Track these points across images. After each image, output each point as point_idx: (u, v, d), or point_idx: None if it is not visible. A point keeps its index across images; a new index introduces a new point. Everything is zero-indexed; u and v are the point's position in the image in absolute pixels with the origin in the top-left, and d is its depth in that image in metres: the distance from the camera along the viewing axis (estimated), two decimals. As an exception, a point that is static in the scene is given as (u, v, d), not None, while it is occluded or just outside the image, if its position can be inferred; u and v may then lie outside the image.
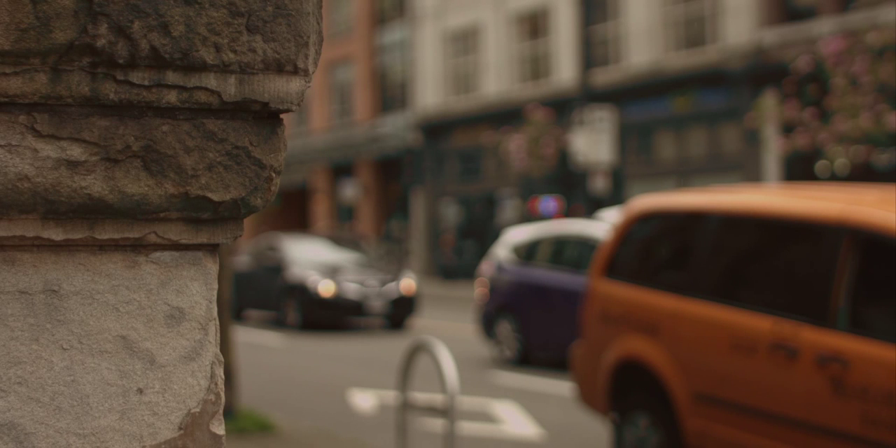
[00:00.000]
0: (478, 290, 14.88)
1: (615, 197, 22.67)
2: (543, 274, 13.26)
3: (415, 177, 32.52)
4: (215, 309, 1.56)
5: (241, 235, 1.58)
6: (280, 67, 1.50)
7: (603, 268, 7.42)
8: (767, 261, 6.48)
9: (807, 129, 18.18)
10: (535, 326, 13.02)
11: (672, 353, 6.52)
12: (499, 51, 29.17)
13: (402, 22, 33.93)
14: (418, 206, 32.90)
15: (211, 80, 1.46)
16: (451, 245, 31.50)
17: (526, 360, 13.26)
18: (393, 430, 8.54)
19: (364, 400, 10.96)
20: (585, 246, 12.72)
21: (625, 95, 24.24)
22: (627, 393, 7.02)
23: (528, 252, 13.85)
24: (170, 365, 1.51)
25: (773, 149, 20.46)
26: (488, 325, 13.90)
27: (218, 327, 1.58)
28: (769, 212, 6.30)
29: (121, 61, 1.40)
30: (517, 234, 14.52)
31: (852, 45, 17.49)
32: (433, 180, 31.93)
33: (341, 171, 37.45)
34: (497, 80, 29.24)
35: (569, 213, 23.11)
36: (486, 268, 14.48)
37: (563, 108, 24.89)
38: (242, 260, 19.54)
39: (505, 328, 13.56)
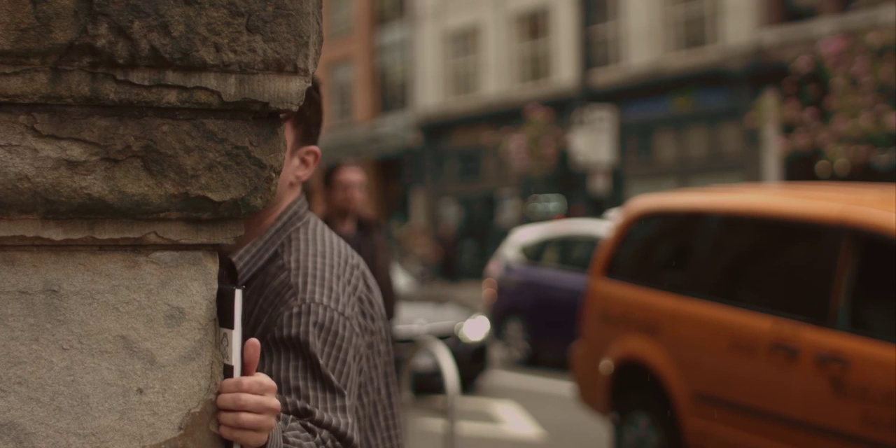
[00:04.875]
0: (486, 290, 14.83)
1: (615, 197, 22.66)
2: (552, 274, 13.22)
3: (415, 177, 32.51)
4: (215, 309, 1.56)
5: (241, 235, 1.58)
6: (280, 67, 1.50)
7: (603, 268, 7.42)
8: (767, 261, 6.48)
9: (807, 129, 18.17)
10: (543, 327, 12.95)
11: (672, 353, 6.52)
12: (499, 51, 29.17)
13: (402, 22, 33.93)
14: (418, 206, 32.90)
15: (211, 80, 1.46)
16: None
17: (535, 360, 13.18)
18: (393, 430, 8.52)
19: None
20: (594, 246, 12.68)
21: (625, 95, 24.24)
22: (627, 393, 7.02)
23: (536, 252, 13.81)
24: (170, 365, 1.51)
25: (773, 149, 20.46)
26: (497, 325, 13.83)
27: (218, 327, 1.58)
28: (769, 212, 6.30)
29: (121, 61, 1.40)
30: (525, 234, 14.48)
31: (852, 45, 17.48)
32: (433, 180, 31.92)
33: (341, 171, 37.40)
34: (497, 80, 29.24)
35: (569, 213, 23.09)
36: (494, 268, 14.41)
37: (563, 108, 24.88)
38: None
39: (513, 329, 13.47)
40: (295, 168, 2.10)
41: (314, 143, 2.14)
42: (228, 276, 2.03)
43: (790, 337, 5.65)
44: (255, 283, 2.01)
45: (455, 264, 28.13)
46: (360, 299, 2.02)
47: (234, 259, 2.03)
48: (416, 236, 29.66)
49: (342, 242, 2.12)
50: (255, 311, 1.98)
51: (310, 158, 2.12)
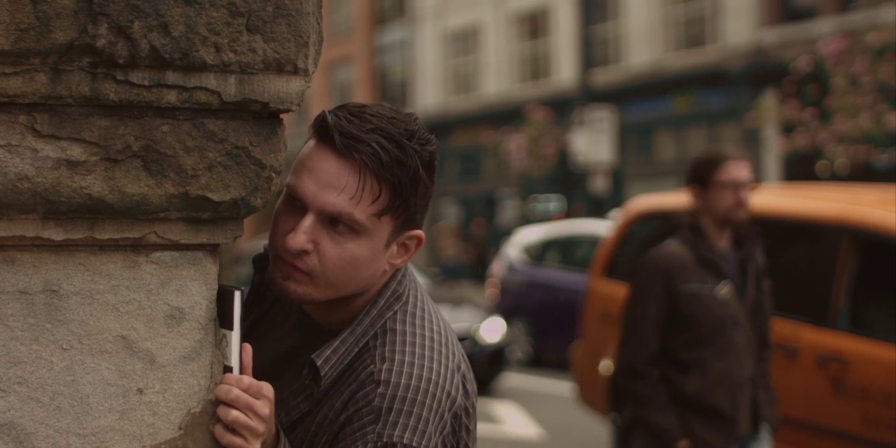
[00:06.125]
0: (489, 291, 14.80)
1: (615, 197, 22.67)
2: (555, 274, 13.18)
3: (415, 177, 32.36)
4: (215, 309, 1.56)
5: (241, 235, 1.58)
6: (280, 67, 1.50)
7: (603, 268, 7.42)
8: (767, 261, 6.47)
9: (807, 129, 18.18)
10: (547, 327, 12.91)
11: (672, 353, 6.52)
12: (499, 51, 29.18)
13: (402, 22, 33.94)
14: (418, 206, 32.80)
15: (211, 80, 1.46)
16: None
17: (538, 361, 13.13)
18: (393, 430, 8.52)
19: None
20: (597, 246, 12.64)
21: (625, 95, 24.24)
22: (627, 393, 7.01)
23: (539, 252, 13.76)
24: (170, 365, 1.51)
25: (773, 149, 20.47)
26: None
27: (218, 327, 1.58)
28: (769, 212, 6.30)
29: (121, 61, 1.40)
30: (528, 235, 14.44)
31: (852, 45, 17.48)
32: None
33: (341, 171, 37.36)
34: (497, 80, 29.25)
35: (569, 213, 23.10)
36: (497, 268, 14.37)
37: (563, 108, 24.89)
38: None
39: (517, 329, 13.42)
40: (391, 255, 1.81)
41: (418, 227, 1.85)
42: (312, 379, 1.74)
43: (790, 337, 5.64)
44: (337, 377, 1.75)
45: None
46: (454, 416, 1.75)
47: (319, 363, 1.73)
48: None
49: (446, 334, 1.82)
50: (327, 409, 1.74)
51: (411, 244, 1.85)
